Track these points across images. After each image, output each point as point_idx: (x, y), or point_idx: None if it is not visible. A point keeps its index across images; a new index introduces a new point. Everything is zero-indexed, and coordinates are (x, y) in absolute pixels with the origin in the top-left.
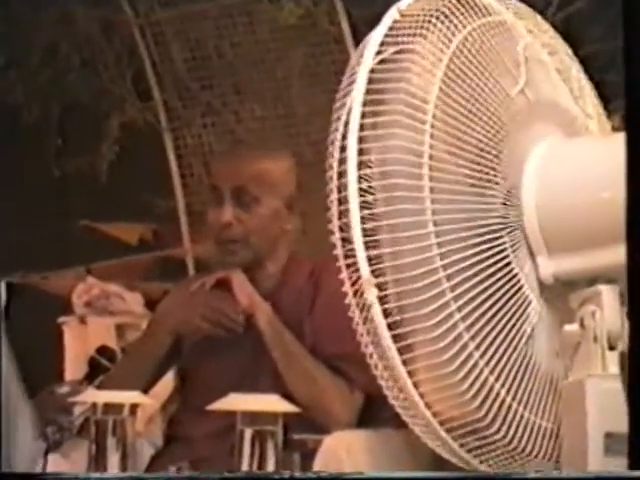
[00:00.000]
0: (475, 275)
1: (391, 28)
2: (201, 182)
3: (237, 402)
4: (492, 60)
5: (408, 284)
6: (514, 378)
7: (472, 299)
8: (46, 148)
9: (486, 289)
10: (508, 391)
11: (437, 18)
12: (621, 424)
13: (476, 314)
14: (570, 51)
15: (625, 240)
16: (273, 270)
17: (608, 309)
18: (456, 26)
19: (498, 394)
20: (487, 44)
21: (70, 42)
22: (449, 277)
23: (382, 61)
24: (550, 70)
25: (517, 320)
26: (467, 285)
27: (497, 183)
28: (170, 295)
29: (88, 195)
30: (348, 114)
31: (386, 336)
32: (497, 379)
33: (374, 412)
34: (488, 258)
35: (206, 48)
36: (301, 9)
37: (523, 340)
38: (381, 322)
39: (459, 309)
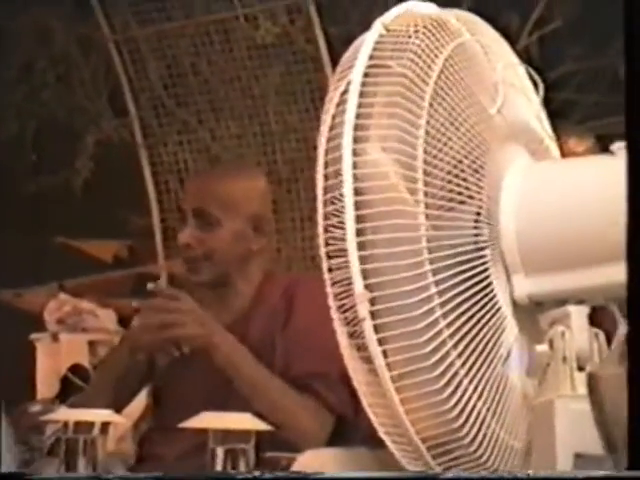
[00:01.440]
0: (460, 293)
1: (377, 42)
2: (177, 199)
3: (209, 420)
4: (472, 79)
5: (398, 300)
6: (494, 398)
7: (458, 317)
8: (21, 164)
9: (470, 308)
10: (488, 410)
11: (421, 34)
12: (590, 445)
13: (461, 333)
14: (533, 73)
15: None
16: (245, 289)
17: (577, 330)
18: (439, 41)
19: (480, 413)
20: (467, 62)
21: (46, 58)
22: (440, 294)
23: (367, 75)
24: (519, 92)
25: (497, 340)
26: (454, 303)
27: (480, 199)
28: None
29: (63, 211)
30: (340, 126)
31: (377, 352)
32: (479, 398)
33: (346, 432)
34: (471, 277)
35: (182, 65)
36: (278, 27)
37: (501, 360)
38: (372, 337)
39: (448, 326)
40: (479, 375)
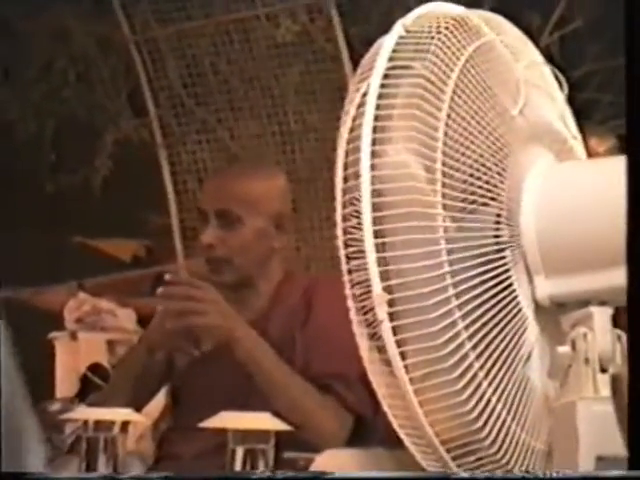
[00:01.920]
0: (480, 295)
1: (397, 44)
2: (195, 198)
3: (228, 420)
4: (494, 79)
5: (417, 302)
6: (514, 400)
7: (477, 319)
8: (40, 163)
9: (490, 309)
10: (509, 412)
11: (442, 35)
12: (612, 447)
13: (481, 334)
14: (557, 72)
15: (626, 260)
16: (265, 289)
17: (600, 331)
18: (460, 42)
19: (500, 415)
20: (489, 64)
21: (66, 57)
22: (458, 295)
23: (387, 76)
24: (542, 92)
25: (517, 341)
26: (473, 304)
27: (501, 201)
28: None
29: (81, 211)
30: (354, 126)
31: (395, 354)
32: (499, 400)
33: (365, 432)
34: (492, 278)
35: (202, 65)
36: (298, 26)
37: (522, 362)
38: (390, 339)
39: (466, 328)
40: (499, 376)
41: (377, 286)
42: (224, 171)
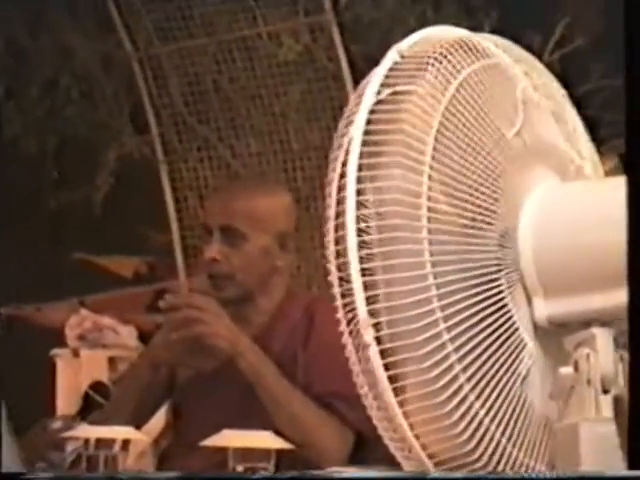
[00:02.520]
0: (472, 316)
1: (391, 69)
2: (196, 215)
3: (230, 438)
4: (489, 102)
5: (404, 325)
6: (509, 420)
7: (469, 340)
8: (42, 180)
9: (482, 330)
10: (503, 433)
11: (436, 59)
12: (615, 468)
13: (472, 356)
14: (564, 92)
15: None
16: (267, 306)
17: (602, 352)
18: (455, 67)
19: (493, 436)
20: (484, 86)
21: (70, 75)
22: (446, 318)
23: (380, 102)
24: (546, 112)
25: (512, 362)
26: (464, 326)
27: (492, 224)
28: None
29: (83, 227)
30: (346, 154)
31: (382, 377)
32: (492, 421)
33: (366, 451)
34: (485, 300)
35: (204, 82)
36: (300, 45)
37: (518, 382)
38: (378, 363)
39: (456, 350)
40: (492, 398)
41: (362, 310)
42: (229, 187)
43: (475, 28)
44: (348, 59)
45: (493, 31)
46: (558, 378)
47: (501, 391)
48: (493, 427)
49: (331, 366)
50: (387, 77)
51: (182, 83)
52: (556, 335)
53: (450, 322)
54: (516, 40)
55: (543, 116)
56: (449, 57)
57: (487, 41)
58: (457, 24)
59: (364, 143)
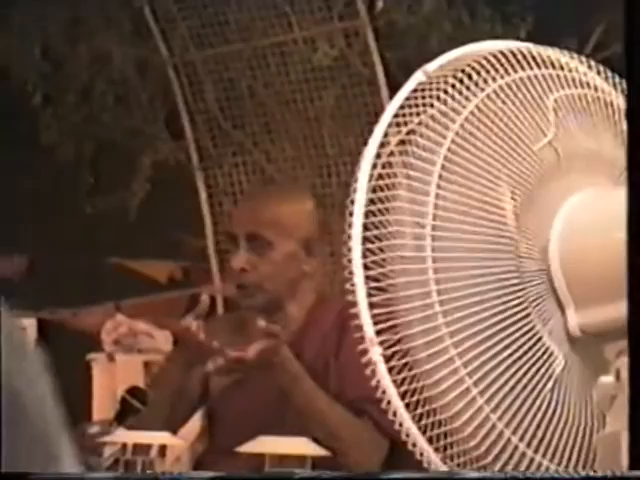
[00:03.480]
0: (486, 329)
1: (415, 90)
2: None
3: (266, 445)
4: (516, 116)
5: (412, 341)
6: (535, 433)
7: (482, 354)
8: (79, 186)
9: (499, 343)
10: (528, 445)
11: (461, 80)
12: None
13: (486, 368)
14: (616, 93)
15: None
16: (297, 312)
17: None
18: (477, 84)
19: (524, 454)
20: (512, 100)
21: (105, 81)
22: (453, 334)
23: (403, 123)
24: (591, 118)
25: (537, 372)
26: (476, 340)
27: (511, 238)
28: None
29: (119, 232)
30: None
31: (393, 393)
32: (521, 439)
33: (401, 457)
34: (502, 312)
35: (239, 88)
36: (335, 50)
37: (544, 391)
38: (387, 380)
39: (465, 365)
40: (518, 416)
41: (369, 329)
42: (252, 195)
43: (511, 33)
44: (383, 64)
45: (529, 35)
46: (599, 387)
47: (526, 406)
48: (522, 446)
49: (363, 372)
50: (409, 99)
51: (217, 89)
52: (596, 343)
53: (457, 338)
54: (552, 44)
55: (586, 122)
56: (474, 75)
57: (523, 51)
58: (492, 29)
59: (375, 165)
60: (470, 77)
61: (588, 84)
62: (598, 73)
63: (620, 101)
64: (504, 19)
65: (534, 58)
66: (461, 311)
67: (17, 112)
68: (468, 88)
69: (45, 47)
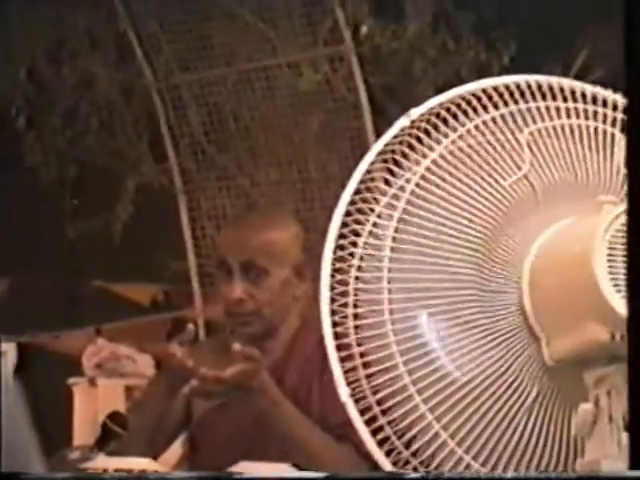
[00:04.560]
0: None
1: (395, 136)
2: (213, 244)
3: (247, 470)
4: (487, 155)
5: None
6: (509, 461)
7: (438, 382)
8: (62, 208)
9: (462, 379)
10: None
11: (435, 125)
12: None
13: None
14: (609, 112)
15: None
16: (284, 336)
17: (624, 389)
18: (442, 133)
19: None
20: (484, 139)
21: (90, 104)
22: (406, 362)
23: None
24: (574, 146)
25: (503, 408)
26: (431, 368)
27: (478, 277)
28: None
29: (101, 255)
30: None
31: (364, 432)
32: (493, 469)
33: None
34: (467, 345)
35: (223, 112)
36: (319, 75)
37: (517, 426)
38: (357, 419)
39: (419, 392)
40: (479, 441)
41: (344, 392)
42: (238, 221)
43: (494, 58)
44: (367, 90)
45: (512, 61)
46: (579, 414)
47: (489, 432)
48: (477, 465)
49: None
50: (389, 144)
51: (201, 112)
52: (575, 371)
53: (411, 366)
54: (536, 69)
55: (569, 150)
56: (448, 118)
57: (499, 88)
58: (476, 54)
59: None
60: (445, 121)
61: (568, 113)
62: (583, 97)
63: (607, 125)
64: (488, 45)
65: (512, 94)
66: (417, 339)
67: (1, 134)
68: (439, 131)
69: (29, 70)
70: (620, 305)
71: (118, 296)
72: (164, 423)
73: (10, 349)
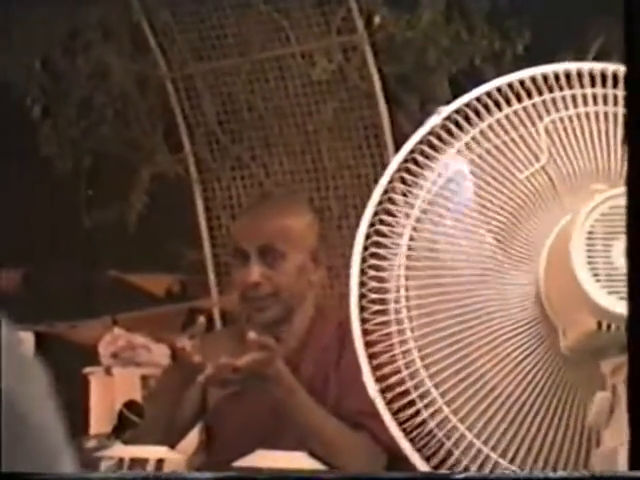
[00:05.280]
0: (459, 357)
1: (429, 133)
2: (229, 234)
3: (264, 459)
4: (508, 146)
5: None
6: (527, 453)
7: (456, 374)
8: (77, 199)
9: (480, 367)
10: (511, 462)
11: (456, 122)
12: None
13: (460, 389)
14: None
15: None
16: (300, 324)
17: None
18: (471, 123)
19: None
20: (500, 134)
21: (104, 94)
22: (423, 357)
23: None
24: (590, 135)
25: (522, 392)
26: (447, 362)
27: (495, 270)
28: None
29: (117, 246)
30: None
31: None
32: (512, 461)
33: (399, 470)
34: (483, 337)
35: (237, 102)
36: (333, 65)
37: (535, 415)
38: (386, 414)
39: (442, 395)
40: (497, 433)
41: (371, 386)
42: (253, 209)
43: (508, 47)
44: (381, 79)
45: (526, 50)
46: (596, 403)
47: (508, 422)
48: (495, 456)
49: (363, 385)
50: (420, 143)
51: (215, 102)
52: (592, 360)
53: (428, 360)
54: (549, 60)
55: (587, 141)
56: (472, 116)
57: (514, 84)
58: (490, 43)
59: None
60: (467, 117)
61: (585, 101)
62: (603, 81)
63: (620, 111)
64: (502, 34)
65: (527, 89)
66: (433, 335)
67: (16, 124)
68: (461, 128)
69: (44, 60)
70: (599, 295)
71: (133, 286)
72: (180, 412)
73: (28, 338)
